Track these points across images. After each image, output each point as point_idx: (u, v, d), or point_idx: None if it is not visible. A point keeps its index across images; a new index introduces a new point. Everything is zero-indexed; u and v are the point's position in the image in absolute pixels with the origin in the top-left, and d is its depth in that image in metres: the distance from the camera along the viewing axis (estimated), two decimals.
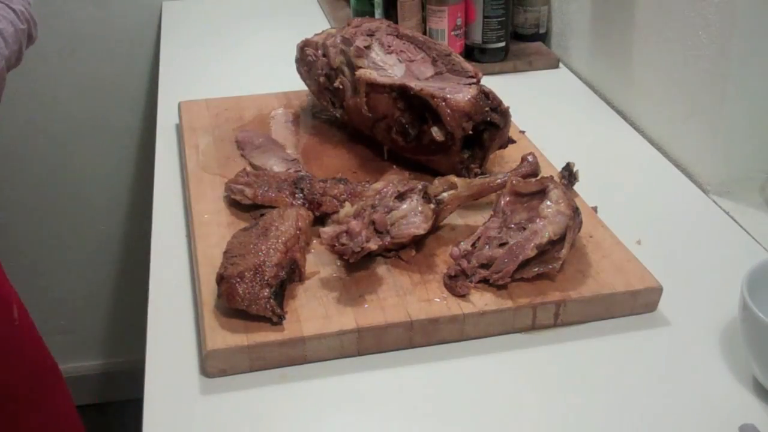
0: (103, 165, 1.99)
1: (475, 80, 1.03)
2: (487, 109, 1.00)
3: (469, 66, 1.07)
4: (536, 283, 0.86)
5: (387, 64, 1.06)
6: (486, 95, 1.01)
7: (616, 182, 1.12)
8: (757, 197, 1.08)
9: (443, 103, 0.99)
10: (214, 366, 0.79)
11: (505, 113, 1.03)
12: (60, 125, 1.93)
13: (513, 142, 1.09)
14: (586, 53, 1.44)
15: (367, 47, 1.07)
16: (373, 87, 1.04)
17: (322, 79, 1.13)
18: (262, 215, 0.93)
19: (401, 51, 1.08)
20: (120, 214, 2.06)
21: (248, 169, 1.04)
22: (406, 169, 1.09)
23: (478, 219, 0.97)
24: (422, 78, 1.05)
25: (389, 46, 1.09)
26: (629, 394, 0.77)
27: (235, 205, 1.00)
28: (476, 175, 1.02)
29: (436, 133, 0.99)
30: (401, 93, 1.03)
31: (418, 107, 1.02)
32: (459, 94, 0.99)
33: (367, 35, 1.10)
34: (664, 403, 0.75)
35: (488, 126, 1.02)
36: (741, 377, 0.79)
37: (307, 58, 1.16)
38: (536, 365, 0.81)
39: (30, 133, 1.92)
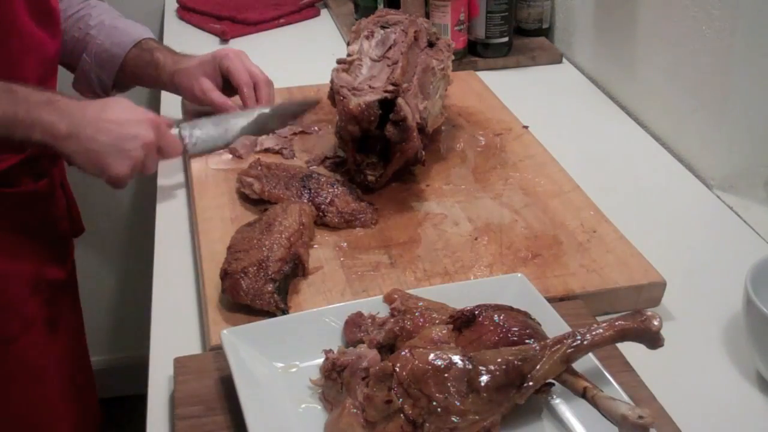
0: None
1: (392, 89, 0.97)
2: (372, 118, 0.95)
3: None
4: (539, 278, 0.86)
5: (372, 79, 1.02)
6: (387, 106, 0.96)
7: (619, 177, 1.12)
8: (761, 192, 1.08)
9: (342, 101, 0.97)
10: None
11: (405, 129, 0.96)
12: None
13: (422, 164, 1.02)
14: (590, 48, 1.44)
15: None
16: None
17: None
18: (265, 210, 0.93)
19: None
20: (123, 210, 2.06)
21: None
22: None
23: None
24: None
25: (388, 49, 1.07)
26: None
27: (241, 198, 1.00)
28: (369, 181, 1.00)
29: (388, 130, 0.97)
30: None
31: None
32: (356, 98, 0.96)
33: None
34: (667, 398, 0.75)
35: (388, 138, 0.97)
36: (744, 371, 0.79)
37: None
38: None
39: None
